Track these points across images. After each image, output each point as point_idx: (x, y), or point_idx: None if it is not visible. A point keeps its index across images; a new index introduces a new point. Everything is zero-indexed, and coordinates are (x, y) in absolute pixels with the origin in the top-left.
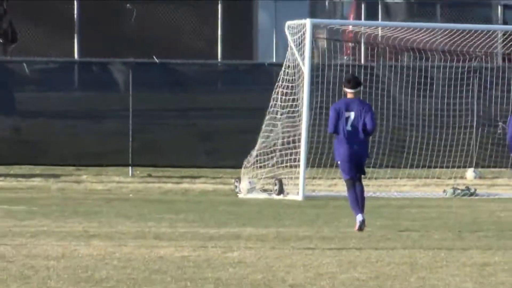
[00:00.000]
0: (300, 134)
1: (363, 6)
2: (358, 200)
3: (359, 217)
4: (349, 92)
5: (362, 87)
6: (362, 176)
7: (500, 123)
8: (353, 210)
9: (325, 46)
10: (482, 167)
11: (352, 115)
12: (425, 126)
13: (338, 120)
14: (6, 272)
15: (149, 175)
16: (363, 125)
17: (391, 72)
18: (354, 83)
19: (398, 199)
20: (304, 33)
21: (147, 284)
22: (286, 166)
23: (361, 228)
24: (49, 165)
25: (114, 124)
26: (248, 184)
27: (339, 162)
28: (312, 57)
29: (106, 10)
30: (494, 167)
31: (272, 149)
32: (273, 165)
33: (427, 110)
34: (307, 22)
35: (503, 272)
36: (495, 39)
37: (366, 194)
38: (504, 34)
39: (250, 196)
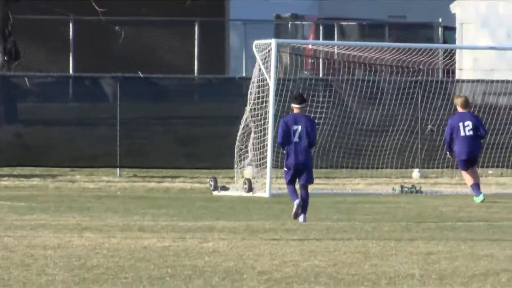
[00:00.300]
0: (267, 139)
1: (321, 27)
2: (295, 191)
3: (296, 201)
4: (296, 107)
5: (306, 104)
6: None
7: (429, 126)
8: (292, 197)
9: (288, 62)
10: (426, 167)
11: (299, 128)
12: (376, 131)
13: (287, 132)
14: (9, 261)
15: (135, 175)
16: (308, 137)
17: (346, 84)
18: (300, 99)
19: (353, 196)
20: (269, 51)
21: (132, 271)
22: (257, 166)
23: (297, 212)
24: (47, 166)
25: (104, 130)
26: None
27: (285, 169)
28: (276, 72)
29: (98, 31)
30: (437, 168)
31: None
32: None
33: (377, 117)
34: (273, 41)
35: (445, 260)
36: (436, 56)
37: (324, 192)
38: (444, 52)
39: (223, 193)
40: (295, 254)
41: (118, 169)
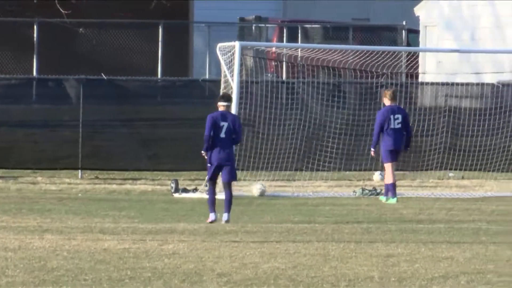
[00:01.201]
0: None
1: (285, 30)
2: (215, 201)
3: (212, 216)
4: (222, 105)
5: (231, 102)
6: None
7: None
8: (209, 208)
9: (252, 64)
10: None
11: (225, 125)
12: (339, 134)
13: (213, 128)
14: None
15: (96, 177)
16: (233, 134)
17: (309, 87)
18: (227, 98)
19: (314, 198)
20: (233, 54)
21: (92, 273)
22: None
23: (212, 222)
24: (9, 168)
25: (66, 133)
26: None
27: (208, 165)
28: (240, 74)
29: (62, 34)
30: (398, 170)
31: None
32: None
33: (340, 120)
34: (236, 44)
35: (405, 262)
36: (400, 59)
37: (285, 194)
38: (407, 55)
39: (184, 195)
40: (254, 256)
41: (79, 171)
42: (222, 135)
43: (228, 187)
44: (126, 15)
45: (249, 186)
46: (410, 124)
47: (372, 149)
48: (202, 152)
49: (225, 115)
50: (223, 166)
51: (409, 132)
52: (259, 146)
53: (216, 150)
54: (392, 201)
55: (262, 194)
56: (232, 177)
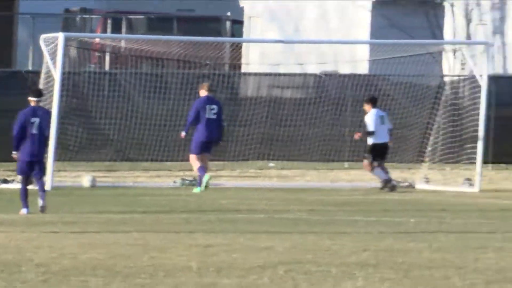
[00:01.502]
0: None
1: (109, 21)
2: (27, 195)
3: (24, 211)
4: (33, 101)
5: (42, 97)
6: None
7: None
8: (22, 202)
9: (76, 56)
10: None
11: (37, 121)
12: (160, 125)
13: (25, 124)
14: None
15: None
16: (46, 129)
17: (132, 78)
18: (38, 93)
19: (134, 188)
20: (57, 45)
21: None
22: None
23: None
24: None
25: None
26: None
27: (18, 161)
28: (63, 66)
29: None
30: (218, 160)
31: None
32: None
33: (162, 111)
34: (60, 35)
35: (224, 252)
36: (224, 49)
37: (105, 184)
38: (231, 46)
39: (3, 186)
40: (73, 246)
41: None
42: (34, 131)
43: (40, 180)
44: None
45: (79, 177)
46: (225, 116)
47: (183, 133)
48: (13, 153)
49: (36, 110)
50: (34, 162)
51: (222, 124)
52: (81, 137)
53: (27, 146)
54: (206, 178)
55: (93, 185)
56: (43, 172)
